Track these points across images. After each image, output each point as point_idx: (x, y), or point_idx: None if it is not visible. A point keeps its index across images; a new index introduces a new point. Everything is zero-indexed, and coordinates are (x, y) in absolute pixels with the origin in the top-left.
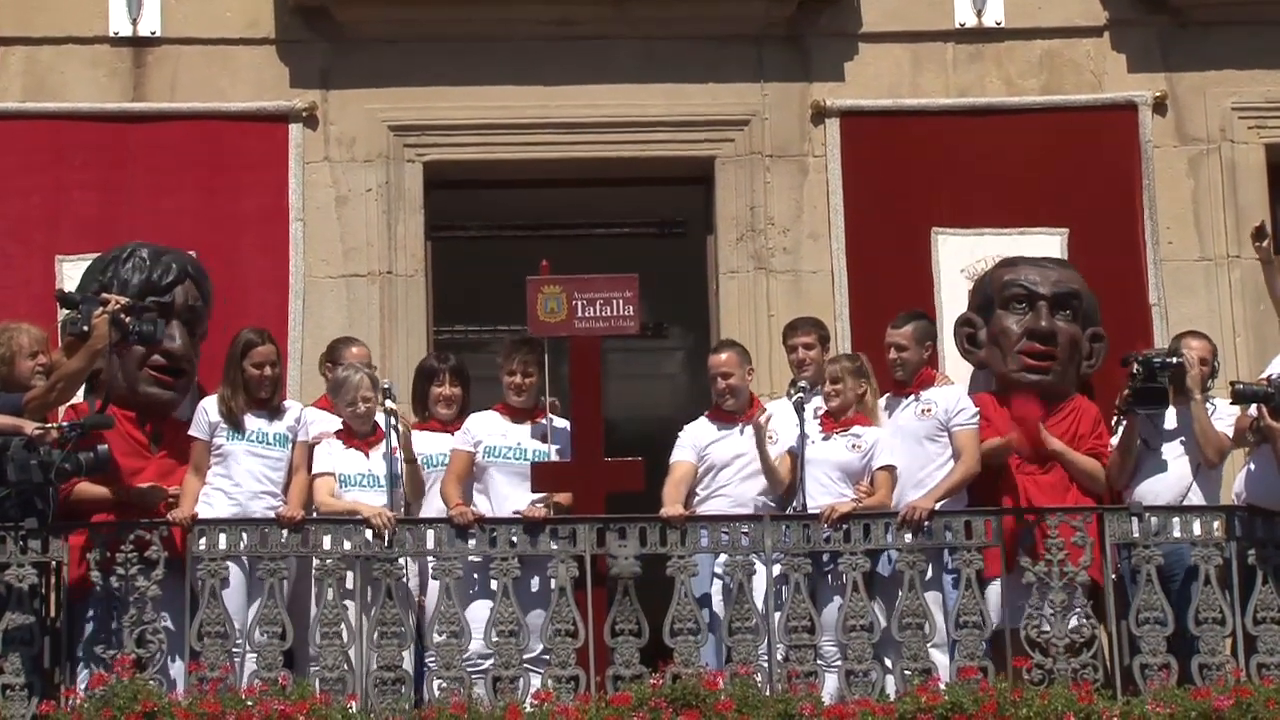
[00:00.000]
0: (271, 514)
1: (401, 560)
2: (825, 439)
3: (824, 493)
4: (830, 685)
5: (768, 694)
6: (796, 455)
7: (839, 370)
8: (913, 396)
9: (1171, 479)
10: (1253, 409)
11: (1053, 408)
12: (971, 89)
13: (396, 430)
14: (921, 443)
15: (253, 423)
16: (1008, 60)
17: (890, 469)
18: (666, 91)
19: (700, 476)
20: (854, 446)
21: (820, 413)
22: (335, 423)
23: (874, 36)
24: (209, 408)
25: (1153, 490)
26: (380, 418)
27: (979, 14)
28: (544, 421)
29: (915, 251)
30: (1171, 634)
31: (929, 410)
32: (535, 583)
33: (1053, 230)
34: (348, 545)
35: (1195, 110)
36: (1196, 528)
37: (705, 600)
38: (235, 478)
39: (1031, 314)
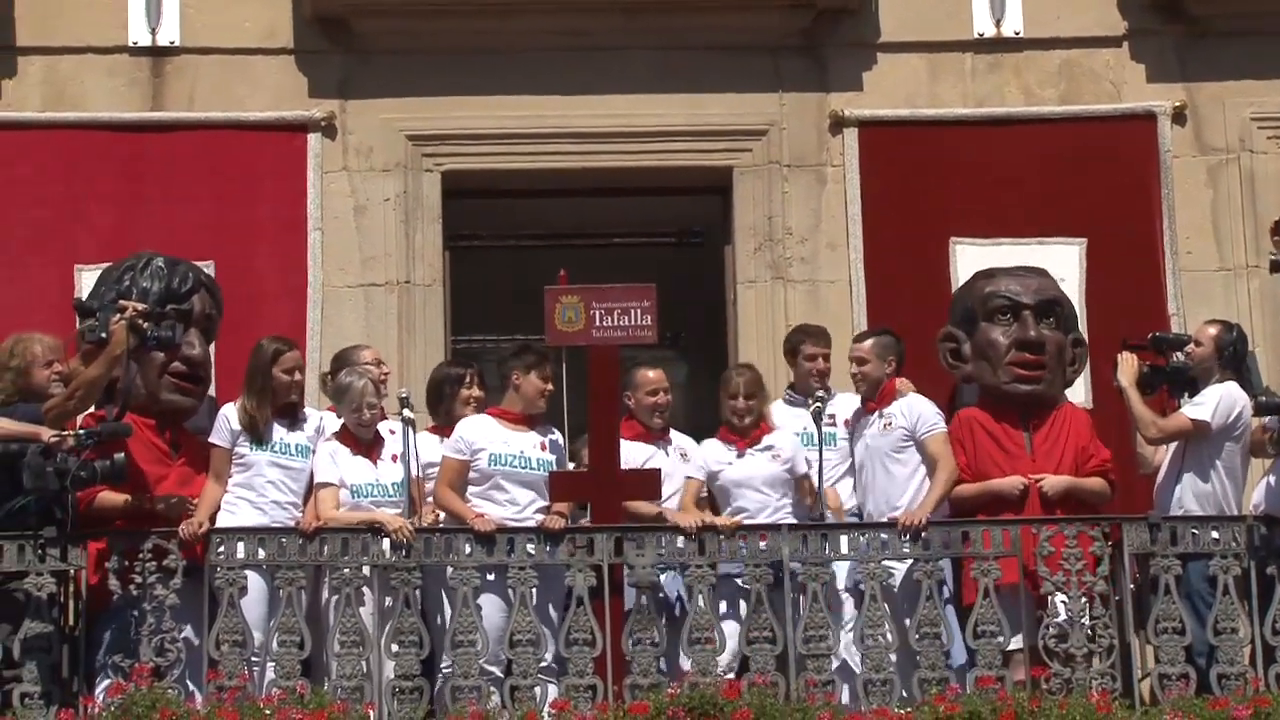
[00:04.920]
0: (292, 524)
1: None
2: (741, 456)
3: (760, 506)
4: (847, 696)
5: (784, 704)
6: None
7: (752, 385)
8: (876, 413)
9: (1164, 473)
10: (1268, 420)
11: (1039, 418)
12: (990, 99)
13: (413, 439)
14: (888, 462)
15: (275, 432)
16: (1026, 70)
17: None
18: (684, 101)
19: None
20: (774, 457)
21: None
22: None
23: (892, 46)
24: (230, 415)
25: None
26: (397, 425)
27: (997, 24)
28: (543, 430)
29: (933, 261)
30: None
31: (890, 424)
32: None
33: (1071, 240)
34: (366, 555)
35: (1214, 120)
36: (1215, 538)
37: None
38: (259, 488)
39: (1018, 324)
